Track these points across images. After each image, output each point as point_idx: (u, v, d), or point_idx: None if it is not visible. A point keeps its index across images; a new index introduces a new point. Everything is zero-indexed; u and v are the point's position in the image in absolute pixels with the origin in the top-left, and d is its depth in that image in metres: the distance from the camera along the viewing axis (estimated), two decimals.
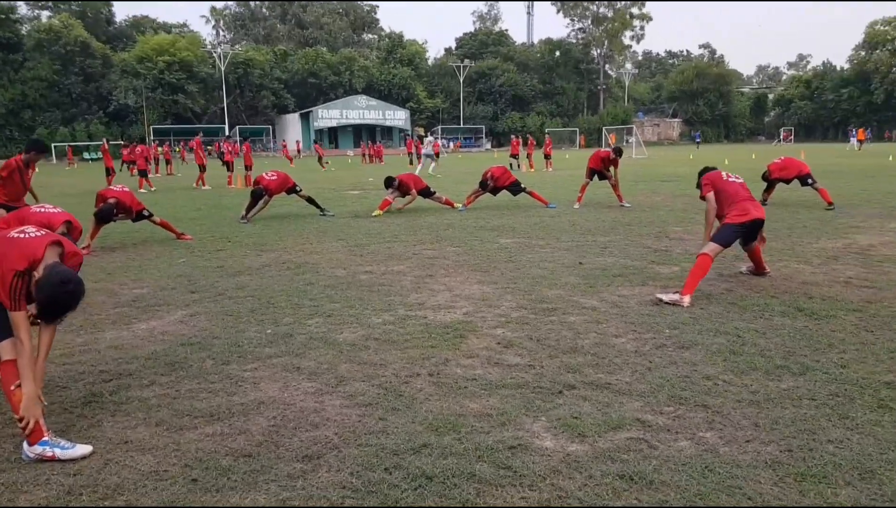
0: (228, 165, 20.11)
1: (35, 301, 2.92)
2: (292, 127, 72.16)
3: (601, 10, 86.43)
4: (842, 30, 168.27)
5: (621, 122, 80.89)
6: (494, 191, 12.66)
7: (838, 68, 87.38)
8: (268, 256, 7.94)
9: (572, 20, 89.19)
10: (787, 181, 11.61)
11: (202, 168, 20.16)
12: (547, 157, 30.04)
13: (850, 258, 6.88)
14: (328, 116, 71.94)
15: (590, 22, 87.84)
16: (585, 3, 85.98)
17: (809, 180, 11.30)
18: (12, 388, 2.90)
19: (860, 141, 48.07)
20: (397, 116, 74.98)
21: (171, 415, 3.31)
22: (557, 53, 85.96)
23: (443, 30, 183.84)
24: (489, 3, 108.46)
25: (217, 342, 4.52)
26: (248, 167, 20.57)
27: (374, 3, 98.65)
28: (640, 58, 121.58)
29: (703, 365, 3.83)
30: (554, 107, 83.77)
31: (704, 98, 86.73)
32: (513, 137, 32.73)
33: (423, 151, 28.05)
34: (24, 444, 2.89)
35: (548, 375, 3.76)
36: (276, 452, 2.90)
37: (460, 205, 12.58)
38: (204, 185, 19.65)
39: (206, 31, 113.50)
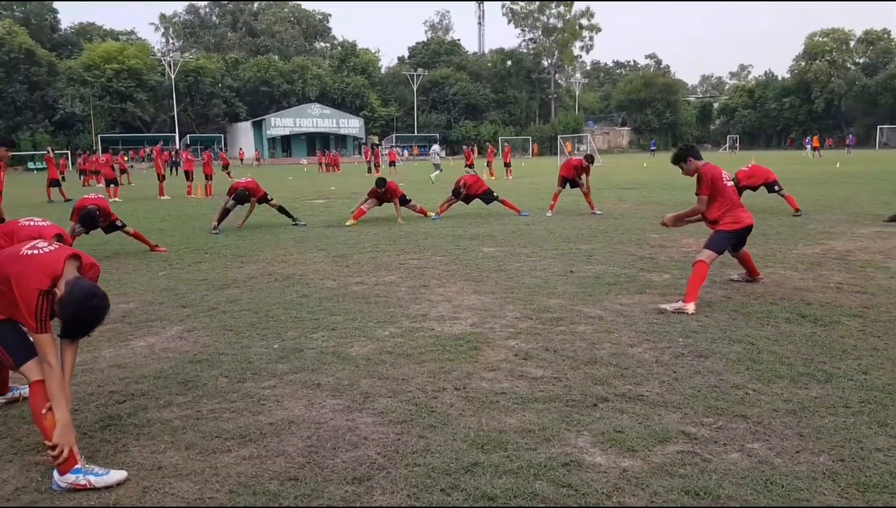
0: (188, 175, 19.58)
1: (60, 319, 2.74)
2: (244, 135, 71.09)
3: (551, 20, 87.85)
4: (781, 41, 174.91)
5: (572, 130, 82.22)
6: (467, 199, 12.65)
7: (780, 78, 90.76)
8: (251, 267, 7.72)
9: (523, 30, 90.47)
10: (755, 189, 11.92)
11: (161, 178, 19.59)
12: (507, 165, 30.31)
13: (832, 264, 7.08)
14: (281, 124, 71.16)
15: (540, 32, 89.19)
16: (536, 14, 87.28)
17: (776, 188, 11.63)
18: (43, 412, 2.71)
19: (815, 148, 49.97)
20: (351, 125, 74.65)
21: (199, 437, 3.15)
22: (509, 63, 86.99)
23: (395, 39, 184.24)
24: (441, 12, 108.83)
25: (225, 358, 4.34)
26: (208, 176, 20.06)
27: (326, 11, 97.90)
28: (588, 68, 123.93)
29: (728, 374, 3.85)
30: (507, 115, 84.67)
31: (652, 107, 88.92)
32: (465, 147, 32.90)
33: (432, 161, 28.41)
34: (55, 473, 2.70)
35: (576, 387, 3.72)
36: (322, 474, 2.78)
37: (433, 214, 12.52)
38: (163, 195, 19.12)
39: (155, 39, 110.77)
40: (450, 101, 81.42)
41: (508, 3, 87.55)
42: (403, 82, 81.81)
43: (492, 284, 6.53)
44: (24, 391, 3.63)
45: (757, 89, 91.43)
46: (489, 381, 3.85)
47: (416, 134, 78.26)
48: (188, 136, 65.10)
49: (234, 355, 4.42)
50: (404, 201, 12.29)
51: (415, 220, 12.21)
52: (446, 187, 15.22)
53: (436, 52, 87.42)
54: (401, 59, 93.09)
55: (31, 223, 5.26)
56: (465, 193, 12.51)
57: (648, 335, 4.70)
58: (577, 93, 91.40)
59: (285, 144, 72.37)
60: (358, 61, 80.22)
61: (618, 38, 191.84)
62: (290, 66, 75.49)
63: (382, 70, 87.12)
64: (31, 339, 2.83)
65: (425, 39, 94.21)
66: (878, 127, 66.66)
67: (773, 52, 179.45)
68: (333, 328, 5.02)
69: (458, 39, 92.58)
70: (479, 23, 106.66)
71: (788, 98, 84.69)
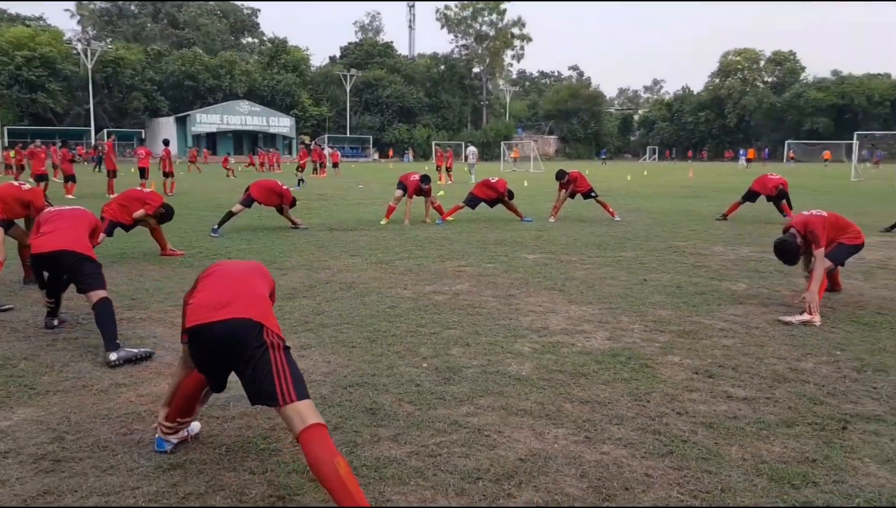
0: (143, 172, 18.20)
1: None
2: (166, 131, 67.53)
3: (484, 27, 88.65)
4: (694, 57, 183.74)
5: (503, 137, 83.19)
6: (474, 204, 12.36)
7: (695, 93, 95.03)
8: (297, 275, 7.13)
9: (456, 36, 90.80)
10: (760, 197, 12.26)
11: (113, 173, 18.20)
12: (448, 169, 30.07)
13: (880, 272, 7.24)
14: (207, 120, 68.27)
15: (472, 39, 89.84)
16: (469, 21, 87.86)
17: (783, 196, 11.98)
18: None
19: (749, 160, 52.89)
20: (282, 124, 72.61)
21: (458, 479, 2.71)
22: (443, 68, 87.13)
23: (324, 39, 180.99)
24: (371, 13, 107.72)
25: (381, 380, 3.86)
26: (167, 174, 18.76)
27: (254, 6, 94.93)
28: (514, 77, 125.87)
29: None
30: (440, 120, 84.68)
31: (578, 117, 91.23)
32: (436, 148, 32.48)
33: (468, 162, 27.96)
34: None
35: (800, 407, 3.50)
36: None
37: (438, 219, 12.16)
38: (112, 193, 17.76)
39: (68, 27, 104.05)
40: (383, 103, 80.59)
41: (442, 8, 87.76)
42: (336, 82, 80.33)
43: (577, 293, 6.25)
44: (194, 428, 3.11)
45: (674, 103, 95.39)
46: (703, 403, 3.57)
47: (348, 135, 77.08)
48: (104, 130, 61.39)
49: (388, 376, 3.95)
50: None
51: (418, 225, 11.81)
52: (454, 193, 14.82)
53: (369, 53, 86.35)
54: (332, 58, 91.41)
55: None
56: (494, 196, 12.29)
57: (800, 347, 4.55)
58: (507, 100, 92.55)
59: (210, 141, 69.47)
60: (289, 59, 78.05)
61: (542, 49, 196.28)
62: (217, 60, 72.59)
63: (313, 69, 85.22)
64: None
65: (357, 40, 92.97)
66: (787, 142, 70.82)
67: (687, 68, 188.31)
68: (467, 344, 4.60)
69: (392, 42, 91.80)
70: (410, 26, 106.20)
71: (704, 112, 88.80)
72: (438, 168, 29.62)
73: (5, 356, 4.29)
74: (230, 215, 10.47)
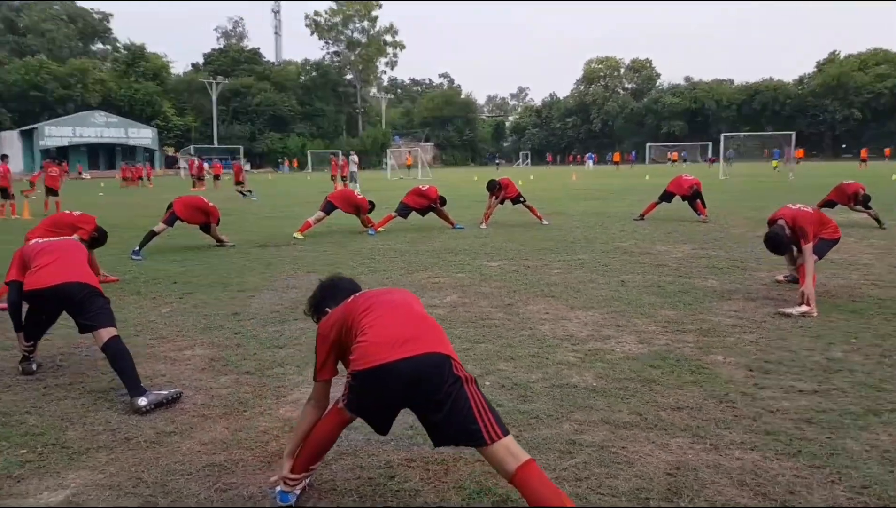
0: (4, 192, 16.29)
1: None
2: (9, 146, 61.36)
3: (356, 34, 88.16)
4: (557, 64, 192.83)
5: (380, 145, 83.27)
6: (406, 213, 12.14)
7: (562, 99, 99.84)
8: (268, 297, 6.64)
9: (327, 43, 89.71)
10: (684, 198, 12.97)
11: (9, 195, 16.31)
12: (343, 179, 29.60)
13: (823, 264, 7.85)
14: (58, 133, 62.93)
15: (344, 46, 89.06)
16: (340, 28, 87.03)
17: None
18: None
19: (616, 163, 56.64)
20: (143, 135, 68.28)
21: (629, 501, 2.56)
22: (315, 74, 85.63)
23: (183, 45, 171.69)
24: (234, 19, 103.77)
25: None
26: (51, 191, 16.90)
27: (106, 10, 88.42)
28: (385, 84, 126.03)
29: None
30: (314, 128, 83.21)
31: (453, 124, 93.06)
32: (331, 157, 31.69)
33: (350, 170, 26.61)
34: None
35: (870, 396, 3.65)
36: None
37: (370, 229, 11.84)
38: (14, 214, 16.09)
39: None
40: (253, 111, 77.97)
41: (312, 14, 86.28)
42: (201, 90, 76.70)
43: (570, 299, 6.25)
44: None
45: (543, 110, 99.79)
46: (784, 400, 3.64)
47: (216, 145, 73.69)
48: None
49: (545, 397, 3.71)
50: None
51: (357, 236, 11.44)
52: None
53: (235, 59, 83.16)
54: (195, 66, 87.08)
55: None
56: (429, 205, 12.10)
57: (819, 338, 4.78)
58: (383, 108, 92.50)
59: (62, 155, 63.85)
60: (148, 66, 73.57)
61: (413, 57, 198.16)
62: (67, 69, 67.08)
63: (175, 77, 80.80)
64: None
65: (221, 46, 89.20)
66: (647, 145, 75.98)
67: (549, 76, 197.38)
68: (510, 358, 4.44)
69: (259, 48, 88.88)
70: (277, 32, 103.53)
71: (571, 118, 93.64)
72: (333, 177, 28.99)
73: (4, 413, 3.61)
74: (152, 234, 9.60)
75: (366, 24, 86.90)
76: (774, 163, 48.04)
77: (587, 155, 74.73)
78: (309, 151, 73.27)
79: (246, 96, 77.82)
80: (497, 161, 77.48)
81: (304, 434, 2.61)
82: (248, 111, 78.05)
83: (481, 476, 2.84)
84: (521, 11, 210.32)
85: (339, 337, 2.57)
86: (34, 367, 4.28)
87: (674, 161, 64.59)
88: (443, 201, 12.20)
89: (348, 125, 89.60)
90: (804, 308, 5.44)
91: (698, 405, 3.59)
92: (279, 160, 74.92)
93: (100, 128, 65.52)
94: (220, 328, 5.39)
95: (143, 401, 3.55)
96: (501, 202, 12.83)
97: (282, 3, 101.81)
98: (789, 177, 30.35)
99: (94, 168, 62.28)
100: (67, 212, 7.44)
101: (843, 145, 77.12)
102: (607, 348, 4.66)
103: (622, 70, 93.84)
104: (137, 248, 9.37)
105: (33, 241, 4.35)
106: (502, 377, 4.06)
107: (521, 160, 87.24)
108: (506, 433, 2.31)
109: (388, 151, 51.74)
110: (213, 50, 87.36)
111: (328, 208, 11.61)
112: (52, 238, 4.41)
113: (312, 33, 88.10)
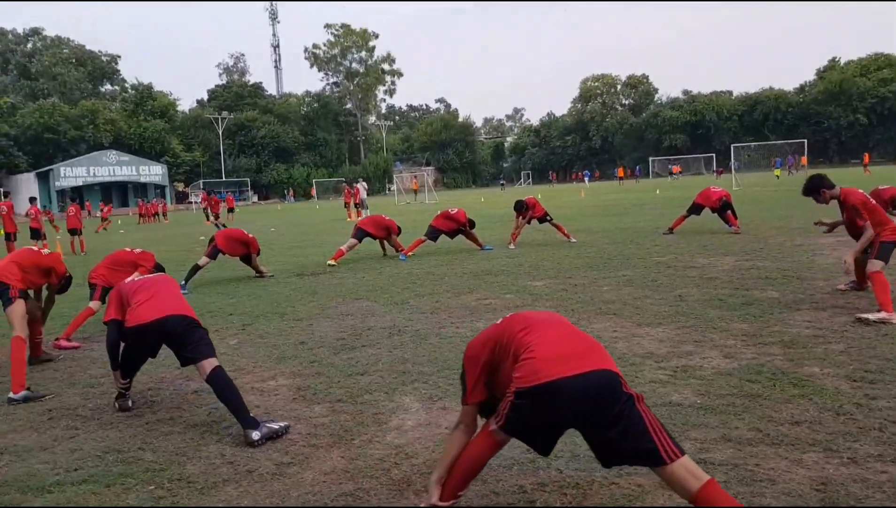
0: (35, 233, 16.38)
1: None
2: (26, 188, 62.02)
3: (354, 65, 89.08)
4: (552, 84, 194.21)
5: (382, 171, 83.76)
6: (435, 236, 12.13)
7: (560, 118, 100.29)
8: (326, 325, 6.58)
9: (326, 74, 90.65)
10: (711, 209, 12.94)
11: (13, 236, 16.33)
12: (357, 205, 29.66)
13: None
14: (73, 174, 63.78)
15: (343, 77, 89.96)
16: (339, 59, 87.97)
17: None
18: None
19: (620, 178, 57.09)
20: (153, 172, 68.99)
21: None
22: (316, 105, 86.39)
23: (188, 83, 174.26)
24: (235, 55, 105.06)
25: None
26: (74, 232, 16.98)
27: (113, 52, 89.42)
28: (383, 111, 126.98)
29: None
30: (318, 158, 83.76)
31: (453, 147, 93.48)
32: (344, 185, 31.78)
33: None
34: None
35: None
36: None
37: (401, 254, 11.82)
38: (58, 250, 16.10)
39: None
40: (258, 144, 78.61)
41: (311, 47, 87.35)
42: (207, 126, 77.44)
43: (633, 315, 6.18)
44: None
45: (542, 129, 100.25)
46: None
47: (224, 179, 74.24)
48: None
49: None
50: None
51: (389, 261, 11.42)
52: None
53: (238, 94, 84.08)
54: (200, 102, 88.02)
55: None
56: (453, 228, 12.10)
57: None
58: (383, 135, 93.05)
59: (77, 195, 64.34)
60: (156, 105, 74.38)
61: (408, 83, 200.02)
62: (78, 110, 67.86)
63: (182, 114, 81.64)
64: None
65: (224, 82, 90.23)
66: (650, 159, 76.18)
67: (543, 96, 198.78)
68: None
69: (261, 82, 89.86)
70: (276, 66, 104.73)
71: (570, 136, 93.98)
72: (346, 205, 29.09)
73: (117, 450, 3.59)
74: (196, 268, 9.62)
75: (363, 53, 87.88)
76: (777, 172, 48.25)
77: (584, 172, 75.35)
78: (314, 180, 73.82)
79: (251, 130, 78.53)
80: (501, 182, 77.70)
81: (453, 460, 2.56)
82: (253, 144, 78.71)
83: (621, 498, 2.77)
84: (514, 34, 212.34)
85: (492, 357, 2.53)
86: (130, 404, 4.30)
87: (674, 174, 64.61)
88: (472, 224, 12.19)
89: (350, 153, 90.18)
90: (882, 315, 5.37)
91: (816, 418, 3.51)
92: (285, 191, 75.34)
93: (112, 166, 66.34)
94: (294, 358, 5.35)
95: (256, 435, 3.53)
96: (528, 222, 12.80)
97: (280, 37, 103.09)
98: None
99: (107, 205, 62.69)
100: (128, 250, 7.45)
101: (843, 152, 77.31)
102: (694, 363, 4.59)
103: (619, 87, 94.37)
104: (184, 282, 9.35)
105: (129, 279, 4.35)
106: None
107: (522, 180, 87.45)
108: (682, 452, 2.25)
109: (395, 176, 51.83)
110: (217, 86, 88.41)
111: (360, 234, 11.62)
112: (146, 275, 4.41)
113: (312, 66, 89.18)
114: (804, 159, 53.58)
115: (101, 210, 36.93)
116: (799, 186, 6.72)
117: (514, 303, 7.15)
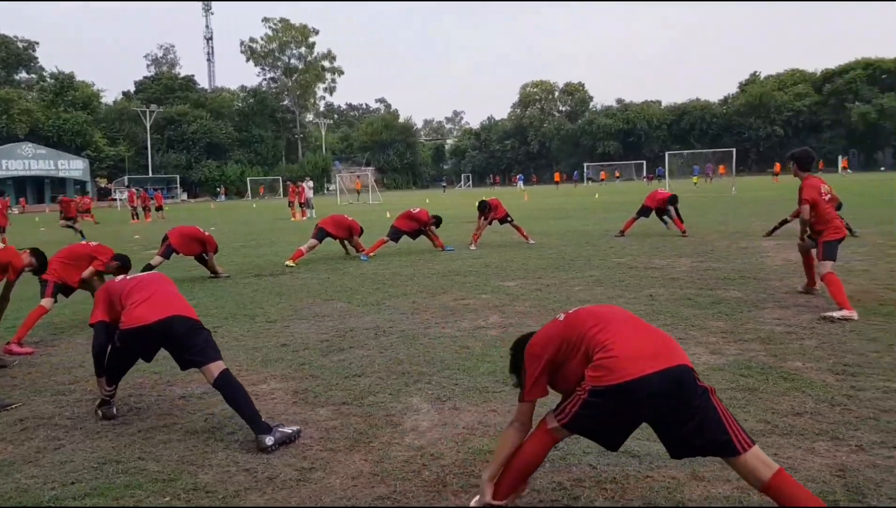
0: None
1: None
2: None
3: (293, 61, 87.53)
4: (491, 89, 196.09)
5: (321, 170, 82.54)
6: (398, 237, 12.08)
7: (500, 122, 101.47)
8: (305, 326, 6.48)
9: (263, 69, 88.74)
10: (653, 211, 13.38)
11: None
12: (301, 205, 29.23)
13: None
14: None
15: (281, 72, 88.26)
16: (277, 54, 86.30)
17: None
18: None
19: (557, 182, 57.84)
20: (73, 166, 65.67)
21: None
22: (252, 101, 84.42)
23: (113, 74, 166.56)
24: (164, 46, 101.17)
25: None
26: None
27: (31, 38, 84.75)
28: (322, 109, 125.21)
29: None
30: (253, 155, 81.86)
31: (394, 148, 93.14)
32: (289, 183, 31.15)
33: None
34: None
35: None
36: None
37: (362, 255, 11.72)
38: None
39: None
40: (189, 139, 76.10)
41: (247, 40, 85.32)
42: (133, 119, 74.48)
43: None
44: None
45: (482, 132, 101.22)
46: (891, 399, 3.80)
47: (151, 175, 71.54)
48: None
49: None
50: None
51: (350, 262, 11.30)
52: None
53: (168, 87, 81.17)
54: (127, 94, 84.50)
55: None
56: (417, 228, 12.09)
57: (874, 341, 5.01)
58: (323, 133, 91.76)
59: None
60: (77, 95, 70.84)
61: (349, 82, 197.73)
62: None
63: (106, 106, 78.12)
64: None
65: (152, 74, 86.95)
66: (585, 165, 77.91)
67: (483, 99, 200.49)
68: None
69: (193, 75, 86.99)
70: (209, 59, 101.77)
71: (509, 141, 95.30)
72: (291, 204, 28.56)
73: (114, 461, 3.40)
74: (149, 268, 9.21)
75: (303, 49, 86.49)
76: (695, 179, 50.71)
77: (518, 176, 76.55)
78: (249, 178, 72.02)
79: (181, 124, 75.95)
80: (443, 184, 77.93)
81: (507, 458, 2.57)
82: (183, 139, 76.17)
83: (660, 491, 2.85)
84: (454, 35, 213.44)
85: (556, 355, 2.55)
86: (114, 411, 4.05)
87: (603, 180, 66.87)
88: (438, 222, 12.22)
89: (287, 151, 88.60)
90: (844, 313, 5.70)
91: (814, 409, 3.71)
92: (217, 189, 73.26)
93: (27, 160, 62.75)
94: (279, 361, 5.23)
95: (269, 440, 3.41)
96: (490, 223, 12.92)
97: (214, 29, 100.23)
98: (732, 191, 31.73)
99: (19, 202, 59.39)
100: (84, 242, 7.11)
101: (761, 162, 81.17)
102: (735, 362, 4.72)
103: (556, 93, 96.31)
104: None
105: (119, 278, 4.12)
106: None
107: (463, 182, 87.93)
108: (753, 441, 2.34)
109: (338, 176, 51.21)
110: (145, 78, 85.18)
111: (320, 235, 11.45)
112: (138, 274, 4.19)
113: (248, 60, 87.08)
114: (722, 168, 56.36)
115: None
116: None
117: (492, 303, 7.19)
